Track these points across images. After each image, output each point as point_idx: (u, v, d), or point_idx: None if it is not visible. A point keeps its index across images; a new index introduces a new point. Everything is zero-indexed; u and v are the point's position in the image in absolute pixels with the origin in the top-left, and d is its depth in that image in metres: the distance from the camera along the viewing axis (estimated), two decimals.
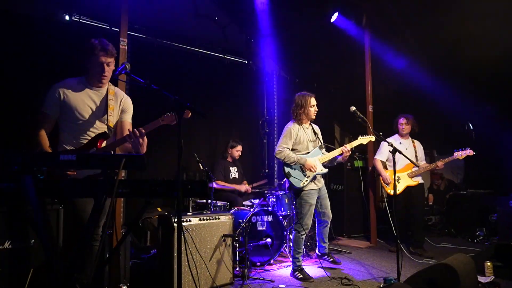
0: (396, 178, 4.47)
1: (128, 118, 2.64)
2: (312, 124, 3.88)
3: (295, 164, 3.63)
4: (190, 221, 3.19)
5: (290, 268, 3.74)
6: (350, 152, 3.67)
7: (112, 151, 2.43)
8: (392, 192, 4.60)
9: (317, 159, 3.69)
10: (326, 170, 3.71)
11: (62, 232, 2.44)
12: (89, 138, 2.41)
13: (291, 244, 4.61)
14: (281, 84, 7.19)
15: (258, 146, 6.71)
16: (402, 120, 4.72)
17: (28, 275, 2.33)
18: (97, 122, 2.46)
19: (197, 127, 5.52)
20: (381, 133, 3.30)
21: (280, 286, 3.34)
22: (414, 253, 4.47)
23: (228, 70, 6.19)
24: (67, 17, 4.41)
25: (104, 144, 2.43)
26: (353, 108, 3.48)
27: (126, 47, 3.55)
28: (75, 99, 2.39)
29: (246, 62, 6.66)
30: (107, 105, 2.48)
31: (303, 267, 3.68)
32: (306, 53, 6.29)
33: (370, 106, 5.32)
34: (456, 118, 6.50)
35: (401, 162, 4.50)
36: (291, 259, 3.76)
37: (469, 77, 5.62)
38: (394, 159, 3.39)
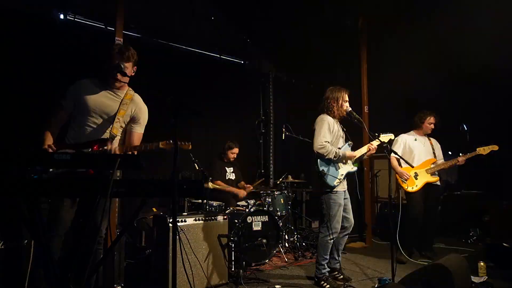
0: (414, 174, 4.32)
1: (138, 129, 2.53)
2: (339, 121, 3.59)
3: (336, 159, 3.32)
4: (185, 221, 3.18)
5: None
6: (375, 150, 3.40)
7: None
8: (410, 189, 4.29)
9: None
10: (355, 169, 3.46)
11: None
12: (90, 140, 2.33)
13: (286, 244, 4.62)
14: (277, 85, 7.21)
15: (254, 147, 6.72)
16: (433, 120, 4.43)
17: (25, 274, 2.31)
18: (101, 126, 2.38)
19: (192, 126, 5.50)
20: (376, 134, 3.31)
21: (276, 286, 3.34)
22: (425, 256, 4.30)
23: (224, 70, 6.19)
24: (61, 16, 4.38)
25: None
26: (349, 108, 3.47)
27: None
28: (89, 98, 2.36)
29: (242, 62, 6.66)
30: (118, 110, 2.41)
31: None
32: (303, 53, 6.29)
33: (366, 107, 5.34)
34: (450, 119, 6.53)
35: (418, 158, 4.33)
36: (316, 262, 3.43)
37: (465, 79, 5.67)
38: (389, 159, 3.45)
